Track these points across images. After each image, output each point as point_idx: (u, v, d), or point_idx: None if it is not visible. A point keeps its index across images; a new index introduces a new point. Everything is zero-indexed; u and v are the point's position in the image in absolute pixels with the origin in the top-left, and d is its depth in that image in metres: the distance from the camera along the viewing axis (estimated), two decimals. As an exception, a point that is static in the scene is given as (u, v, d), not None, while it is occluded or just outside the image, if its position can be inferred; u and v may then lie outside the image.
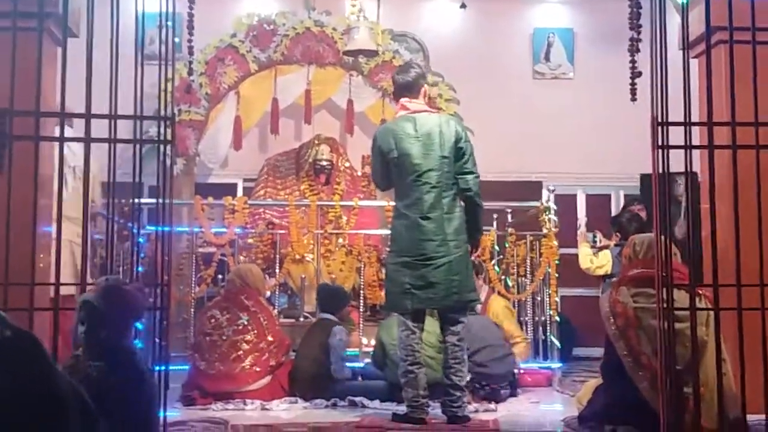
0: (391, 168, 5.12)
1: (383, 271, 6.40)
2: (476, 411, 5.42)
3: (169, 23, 3.75)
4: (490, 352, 5.92)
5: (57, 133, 3.73)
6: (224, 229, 7.36)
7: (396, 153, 5.06)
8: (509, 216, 7.98)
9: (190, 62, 4.95)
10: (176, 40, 4.12)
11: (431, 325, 5.87)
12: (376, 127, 9.18)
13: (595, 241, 7.76)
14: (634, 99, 3.83)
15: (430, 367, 5.72)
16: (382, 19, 8.24)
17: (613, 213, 9.54)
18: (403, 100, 5.23)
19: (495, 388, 5.83)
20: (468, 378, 5.64)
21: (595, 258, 7.37)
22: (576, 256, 7.49)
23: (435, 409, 5.08)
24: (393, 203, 5.35)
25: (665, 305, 3.54)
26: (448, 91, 9.14)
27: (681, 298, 3.68)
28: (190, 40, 4.87)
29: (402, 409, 5.12)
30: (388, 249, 5.19)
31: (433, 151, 5.06)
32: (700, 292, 3.93)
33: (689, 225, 3.70)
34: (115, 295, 3.19)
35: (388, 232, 7.37)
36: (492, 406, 5.58)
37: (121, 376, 3.04)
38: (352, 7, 6.48)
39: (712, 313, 3.71)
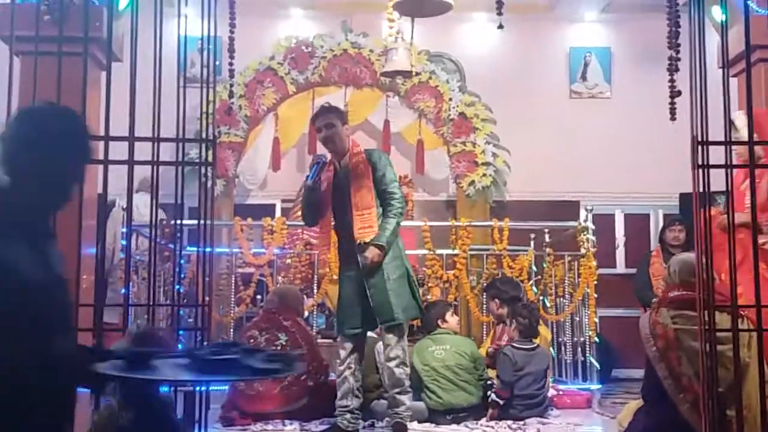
0: None
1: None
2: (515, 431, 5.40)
3: (210, 47, 3.81)
4: (524, 399, 5.87)
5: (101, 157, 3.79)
6: (263, 250, 7.42)
7: None
8: (547, 236, 7.95)
9: (231, 85, 5.02)
10: (217, 62, 4.18)
11: (465, 345, 5.87)
12: (412, 148, 9.29)
13: None
14: (673, 118, 3.82)
15: (465, 391, 5.72)
16: (419, 40, 8.29)
17: (652, 232, 9.47)
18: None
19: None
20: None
21: None
22: (614, 275, 7.43)
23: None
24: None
25: (707, 327, 3.50)
26: (484, 111, 9.16)
27: (722, 319, 3.64)
28: (230, 64, 4.94)
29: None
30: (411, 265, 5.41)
31: None
32: (742, 313, 3.88)
33: (730, 245, 3.66)
34: (147, 344, 3.15)
35: (425, 251, 7.41)
36: (533, 428, 5.54)
37: (155, 427, 3.02)
38: (390, 28, 6.51)
39: (754, 334, 3.66)
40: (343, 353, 5.21)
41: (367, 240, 5.04)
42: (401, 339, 5.15)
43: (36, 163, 2.22)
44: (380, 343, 6.03)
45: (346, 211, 5.11)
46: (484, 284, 7.39)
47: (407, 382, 5.12)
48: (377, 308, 5.09)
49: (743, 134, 5.23)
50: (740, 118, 5.11)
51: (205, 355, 2.42)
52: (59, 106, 2.38)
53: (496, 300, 6.66)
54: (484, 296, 7.34)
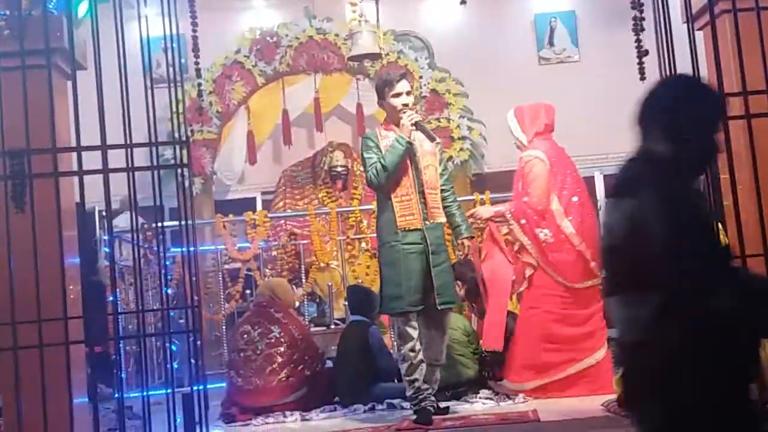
0: None
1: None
2: (515, 402, 5.44)
3: (174, 45, 3.78)
4: None
5: (74, 167, 3.77)
6: (247, 244, 7.41)
7: None
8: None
9: (200, 84, 4.99)
10: (182, 60, 4.15)
11: (457, 320, 5.87)
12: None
13: None
14: (643, 78, 3.82)
15: (462, 365, 5.76)
16: (384, 20, 8.25)
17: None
18: None
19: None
20: None
21: None
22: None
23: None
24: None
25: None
26: (455, 85, 9.14)
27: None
28: (197, 62, 4.90)
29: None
30: None
31: None
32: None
33: (710, 197, 3.68)
34: None
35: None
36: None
37: None
38: (353, 12, 6.48)
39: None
40: (413, 332, 4.99)
41: (438, 221, 5.11)
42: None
43: (695, 128, 2.45)
44: (372, 327, 6.04)
45: (419, 185, 5.07)
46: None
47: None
48: (441, 288, 4.98)
49: (516, 135, 5.62)
50: (511, 122, 5.41)
51: None
52: (693, 76, 2.78)
53: (458, 282, 6.49)
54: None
